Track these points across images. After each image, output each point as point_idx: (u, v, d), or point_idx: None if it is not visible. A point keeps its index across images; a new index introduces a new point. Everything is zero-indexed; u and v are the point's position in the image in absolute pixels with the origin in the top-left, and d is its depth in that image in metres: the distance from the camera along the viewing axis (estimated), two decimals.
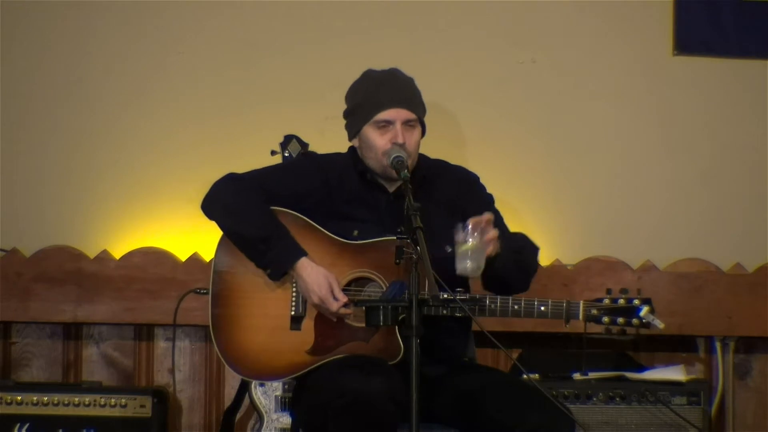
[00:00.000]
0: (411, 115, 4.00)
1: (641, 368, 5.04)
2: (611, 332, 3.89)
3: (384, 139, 3.98)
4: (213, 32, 5.37)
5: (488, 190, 4.18)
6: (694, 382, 4.91)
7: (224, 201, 4.02)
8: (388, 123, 3.98)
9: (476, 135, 5.37)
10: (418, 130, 4.03)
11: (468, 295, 3.86)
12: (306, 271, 3.90)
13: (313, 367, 3.88)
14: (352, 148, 4.13)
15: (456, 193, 4.09)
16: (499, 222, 4.04)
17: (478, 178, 4.19)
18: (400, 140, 3.96)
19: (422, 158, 4.12)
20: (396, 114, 3.98)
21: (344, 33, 5.37)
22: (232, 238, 3.99)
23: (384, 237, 3.91)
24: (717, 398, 5.29)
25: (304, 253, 3.92)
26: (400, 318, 3.63)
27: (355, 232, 3.98)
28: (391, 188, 4.06)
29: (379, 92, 4.00)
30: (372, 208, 4.04)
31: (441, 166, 4.17)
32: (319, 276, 3.88)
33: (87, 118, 5.34)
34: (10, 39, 5.32)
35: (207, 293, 4.03)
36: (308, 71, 5.34)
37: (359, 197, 4.05)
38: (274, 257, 3.92)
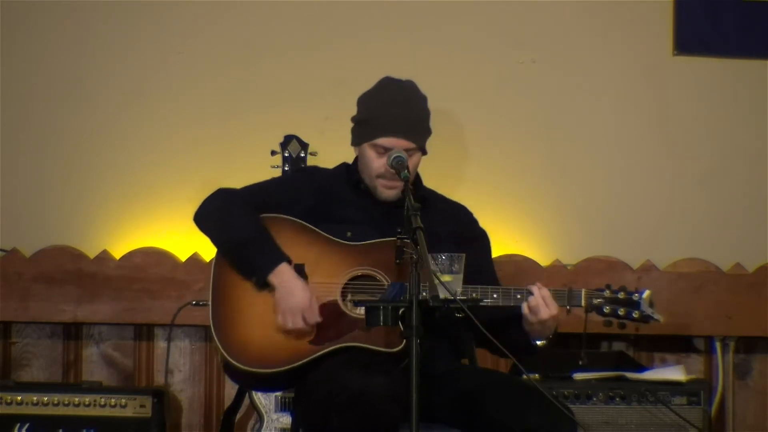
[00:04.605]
0: (410, 145, 4.01)
1: (641, 368, 5.04)
2: (611, 325, 3.91)
3: (379, 162, 4.01)
4: (213, 32, 5.37)
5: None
6: (694, 382, 4.91)
7: (213, 213, 4.04)
8: (386, 149, 4.00)
9: (476, 135, 5.37)
10: (416, 156, 4.04)
11: (468, 294, 3.87)
12: (284, 278, 3.88)
13: (315, 356, 3.88)
14: (344, 164, 4.17)
15: (453, 221, 4.12)
16: (486, 258, 4.10)
17: (471, 213, 4.23)
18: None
19: (420, 182, 4.16)
20: (395, 143, 3.99)
21: (344, 33, 5.37)
22: (221, 248, 4.00)
23: (382, 238, 3.92)
24: (717, 398, 5.29)
25: (285, 259, 3.91)
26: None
27: (348, 234, 3.99)
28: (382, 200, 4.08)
29: (385, 116, 4.00)
30: (363, 210, 4.06)
31: (434, 195, 4.20)
32: (297, 289, 3.87)
33: (87, 118, 5.34)
34: (10, 39, 5.31)
35: (206, 305, 4.03)
36: (308, 71, 5.34)
37: (351, 201, 4.08)
38: (256, 262, 3.92)
